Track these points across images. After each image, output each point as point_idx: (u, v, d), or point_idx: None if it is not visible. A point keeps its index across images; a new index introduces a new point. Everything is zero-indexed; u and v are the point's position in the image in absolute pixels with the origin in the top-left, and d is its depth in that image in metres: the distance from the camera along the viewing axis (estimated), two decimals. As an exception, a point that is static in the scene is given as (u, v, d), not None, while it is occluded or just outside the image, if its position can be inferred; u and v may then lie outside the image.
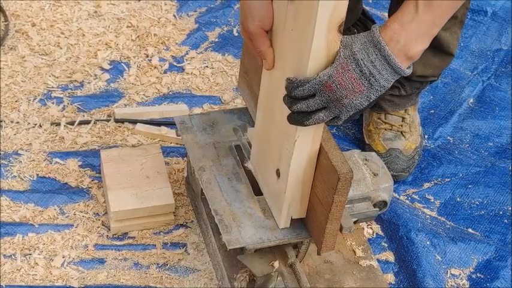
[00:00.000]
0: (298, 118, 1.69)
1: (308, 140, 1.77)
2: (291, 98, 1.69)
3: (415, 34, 1.62)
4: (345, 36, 1.63)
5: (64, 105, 2.60)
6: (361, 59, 1.61)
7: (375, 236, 2.35)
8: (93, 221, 2.30)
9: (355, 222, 2.05)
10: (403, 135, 2.49)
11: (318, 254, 1.91)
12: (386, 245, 2.34)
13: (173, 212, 2.30)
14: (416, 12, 1.62)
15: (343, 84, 1.62)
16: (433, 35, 1.66)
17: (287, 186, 1.85)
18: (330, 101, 1.64)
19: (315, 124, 1.70)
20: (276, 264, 1.98)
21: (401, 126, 2.50)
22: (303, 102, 1.67)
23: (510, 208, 2.45)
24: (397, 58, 1.61)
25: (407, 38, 1.62)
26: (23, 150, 2.45)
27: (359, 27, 2.65)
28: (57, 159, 2.44)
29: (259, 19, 1.75)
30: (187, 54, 2.81)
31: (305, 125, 1.70)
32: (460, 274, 2.27)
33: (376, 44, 1.61)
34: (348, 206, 2.03)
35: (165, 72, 2.74)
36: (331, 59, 1.64)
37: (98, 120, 2.56)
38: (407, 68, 1.64)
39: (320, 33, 1.59)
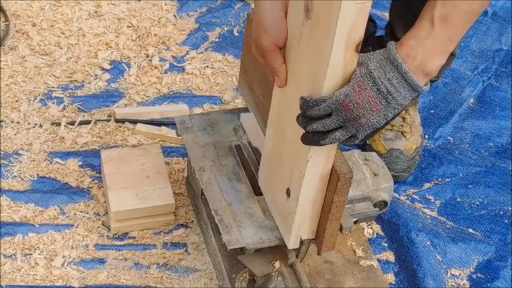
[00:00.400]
0: (314, 138, 1.65)
1: (321, 159, 1.73)
2: (305, 118, 1.65)
3: (432, 50, 1.60)
4: (361, 54, 1.61)
5: (64, 105, 2.60)
6: (378, 77, 1.59)
7: (375, 236, 2.35)
8: (94, 221, 2.30)
9: (355, 222, 2.05)
10: (403, 135, 2.49)
11: (318, 254, 1.91)
12: (386, 245, 2.34)
13: (173, 212, 2.30)
14: (433, 27, 1.60)
15: (360, 103, 1.59)
16: (449, 51, 1.64)
17: (298, 206, 1.81)
18: (347, 120, 1.61)
19: (330, 143, 1.66)
20: (277, 264, 1.98)
21: (402, 126, 2.50)
22: (318, 122, 1.63)
23: (510, 208, 2.45)
24: (414, 75, 1.59)
25: (424, 54, 1.59)
26: (23, 150, 2.45)
27: None
28: (58, 159, 2.44)
29: (273, 35, 1.71)
30: (187, 54, 2.81)
31: (321, 145, 1.66)
32: (460, 274, 2.27)
33: (393, 62, 1.59)
34: (348, 206, 2.03)
35: (165, 72, 2.74)
36: (347, 78, 1.60)
37: (98, 120, 2.56)
38: (425, 85, 1.62)
39: (337, 52, 1.56)
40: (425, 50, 1.60)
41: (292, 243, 1.90)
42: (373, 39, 2.54)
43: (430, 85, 2.52)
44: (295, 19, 1.69)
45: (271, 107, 1.89)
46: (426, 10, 1.62)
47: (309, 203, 1.81)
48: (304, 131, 1.67)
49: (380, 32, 2.59)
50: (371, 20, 2.67)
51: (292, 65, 1.74)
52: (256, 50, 1.76)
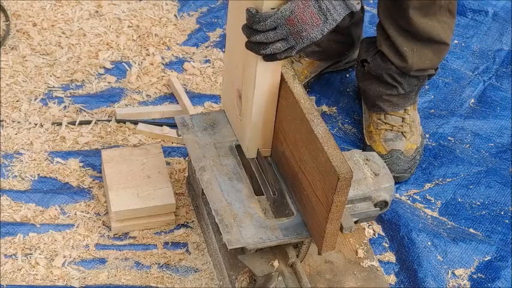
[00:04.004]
0: (255, 47, 1.84)
1: (269, 65, 1.90)
2: (250, 29, 1.83)
3: None
4: None
5: (65, 105, 2.60)
6: None
7: (376, 236, 2.35)
8: (94, 221, 2.30)
9: (356, 222, 2.05)
10: (403, 135, 2.49)
11: (319, 254, 1.91)
12: (387, 245, 2.34)
13: (174, 212, 2.30)
14: None
15: (304, 19, 1.79)
16: None
17: (248, 110, 1.97)
18: (290, 33, 1.81)
19: (270, 53, 1.83)
20: (276, 263, 1.98)
21: (402, 126, 2.50)
22: (262, 34, 1.81)
23: (511, 208, 2.45)
24: None
25: None
26: (24, 149, 2.46)
27: None
28: (58, 159, 2.44)
29: None
30: (188, 54, 2.82)
31: (260, 54, 1.85)
32: (461, 274, 2.27)
33: None
34: (348, 205, 2.03)
35: (166, 72, 2.74)
36: None
37: (99, 120, 2.56)
38: (357, 4, 1.83)
39: None
40: None
41: (249, 152, 2.06)
42: (367, 40, 2.55)
43: (428, 79, 2.52)
44: None
45: (228, 19, 2.04)
46: None
47: (260, 110, 1.96)
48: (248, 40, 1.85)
49: (372, 31, 2.58)
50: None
51: None
52: None
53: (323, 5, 1.79)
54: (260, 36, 1.81)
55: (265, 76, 1.92)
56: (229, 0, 2.00)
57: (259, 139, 2.05)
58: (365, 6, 2.79)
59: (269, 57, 1.86)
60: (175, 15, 2.95)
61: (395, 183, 2.38)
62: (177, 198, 2.34)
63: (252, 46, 1.84)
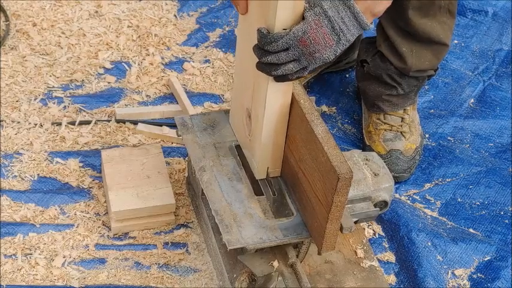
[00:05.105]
0: (267, 68, 1.80)
1: (280, 86, 1.86)
2: (261, 50, 1.78)
3: None
4: None
5: (65, 105, 2.60)
6: (332, 16, 1.75)
7: (376, 236, 2.35)
8: (94, 221, 2.30)
9: (355, 222, 2.05)
10: (403, 135, 2.49)
11: (319, 254, 1.91)
12: (387, 245, 2.34)
13: (174, 212, 2.30)
14: None
15: (317, 40, 1.75)
16: None
17: (258, 128, 1.93)
18: (302, 54, 1.76)
19: (282, 74, 1.79)
20: (276, 263, 1.98)
21: (401, 126, 2.50)
22: (273, 55, 1.76)
23: (511, 208, 2.45)
24: (363, 15, 1.75)
25: None
26: (23, 150, 2.45)
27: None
28: (58, 159, 2.44)
29: None
30: (188, 54, 2.82)
31: (272, 75, 1.80)
32: (461, 274, 2.27)
33: (346, 2, 1.73)
34: (348, 206, 2.03)
35: (165, 72, 2.75)
36: (298, 14, 1.75)
37: (99, 120, 2.56)
38: (371, 23, 1.79)
39: None
40: None
41: (258, 172, 2.03)
42: (366, 41, 2.55)
43: (428, 79, 2.52)
44: None
45: (238, 38, 2.00)
46: None
47: (270, 131, 1.93)
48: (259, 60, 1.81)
49: (372, 31, 2.59)
50: None
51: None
52: None
53: (336, 25, 1.74)
54: (272, 57, 1.76)
55: (276, 97, 1.87)
56: (240, 19, 1.95)
57: (269, 160, 2.02)
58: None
59: (280, 78, 1.81)
60: (175, 15, 2.95)
61: (395, 183, 2.38)
62: (176, 199, 2.34)
63: (263, 67, 1.80)
